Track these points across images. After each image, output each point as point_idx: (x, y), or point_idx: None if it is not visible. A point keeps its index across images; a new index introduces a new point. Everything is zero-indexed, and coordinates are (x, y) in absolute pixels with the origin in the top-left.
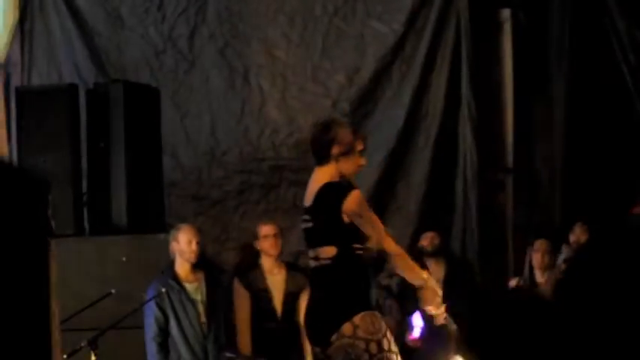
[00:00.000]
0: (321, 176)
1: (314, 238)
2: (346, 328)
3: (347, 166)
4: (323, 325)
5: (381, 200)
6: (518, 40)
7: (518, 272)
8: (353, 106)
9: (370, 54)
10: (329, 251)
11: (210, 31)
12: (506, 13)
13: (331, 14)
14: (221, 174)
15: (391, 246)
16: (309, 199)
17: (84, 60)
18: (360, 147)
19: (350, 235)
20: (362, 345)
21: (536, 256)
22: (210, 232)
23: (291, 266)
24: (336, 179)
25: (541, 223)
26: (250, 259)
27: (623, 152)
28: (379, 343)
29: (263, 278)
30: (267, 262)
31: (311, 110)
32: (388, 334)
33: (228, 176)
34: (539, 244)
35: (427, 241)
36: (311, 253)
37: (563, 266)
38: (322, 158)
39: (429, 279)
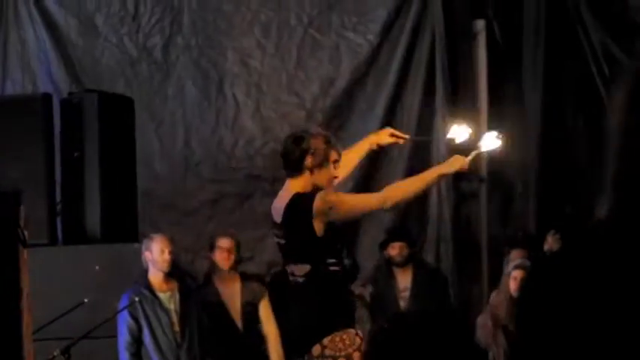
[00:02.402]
0: (292, 189)
1: (288, 255)
2: (315, 349)
3: (321, 177)
4: (296, 346)
5: None
6: (493, 50)
7: (492, 282)
8: (327, 116)
9: (345, 65)
10: (302, 269)
11: (185, 41)
12: (480, 24)
13: (306, 25)
14: (195, 184)
15: (378, 198)
16: (278, 213)
17: (58, 69)
18: (334, 157)
19: (323, 250)
20: None
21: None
22: (184, 241)
23: (245, 276)
24: (308, 190)
25: (515, 232)
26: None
27: (596, 163)
28: (349, 357)
29: (217, 292)
30: (220, 275)
31: (285, 120)
32: (364, 348)
33: (203, 186)
34: (515, 254)
35: (396, 250)
36: (288, 269)
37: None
38: (295, 170)
39: (437, 169)
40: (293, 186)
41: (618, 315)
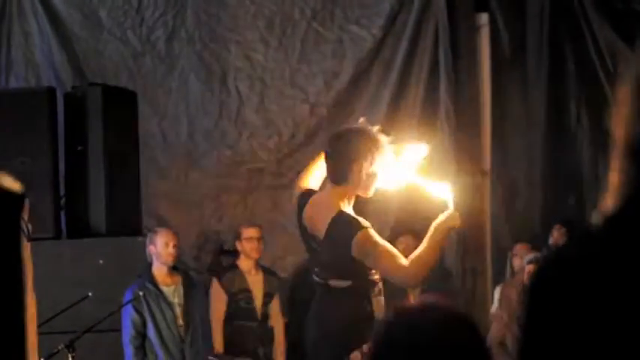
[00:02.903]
0: (334, 199)
1: (327, 269)
2: (354, 357)
3: (365, 186)
4: (330, 350)
5: (358, 204)
6: (496, 44)
7: (496, 276)
8: (331, 110)
9: (348, 58)
10: (344, 283)
11: (189, 35)
12: (484, 17)
13: (310, 18)
14: (198, 177)
15: (406, 274)
16: (319, 226)
17: (62, 63)
18: (381, 164)
19: (365, 268)
20: None
21: (517, 260)
22: (188, 235)
23: (266, 269)
24: (350, 201)
25: (520, 226)
26: (225, 259)
27: (600, 156)
28: None
29: (244, 279)
30: (246, 264)
31: (289, 114)
32: None
33: (206, 180)
34: (519, 248)
35: (403, 245)
36: (318, 273)
37: (530, 267)
38: (339, 177)
39: (445, 226)
40: (334, 194)
41: (627, 309)
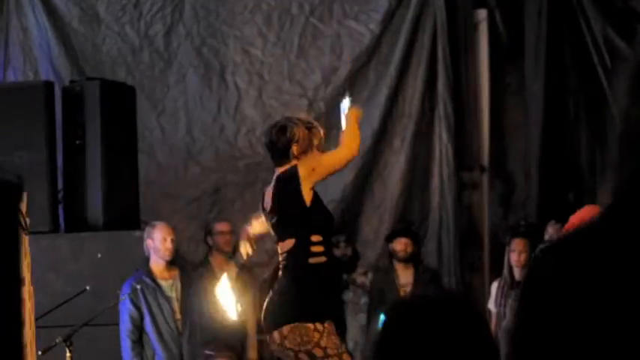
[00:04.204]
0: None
1: (278, 233)
2: (275, 335)
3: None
4: (264, 325)
5: (357, 199)
6: (495, 40)
7: (494, 271)
8: (329, 105)
9: (346, 53)
10: (287, 244)
11: (187, 30)
12: (482, 13)
13: (308, 13)
14: (197, 172)
15: (345, 150)
16: (269, 197)
17: (60, 57)
18: (317, 142)
19: (311, 222)
20: (291, 354)
21: (514, 255)
22: (186, 229)
23: (240, 265)
24: None
25: (517, 222)
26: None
27: (596, 152)
28: (309, 353)
29: (214, 274)
30: (218, 258)
31: (287, 109)
32: (324, 342)
33: (204, 174)
34: (516, 243)
35: (401, 246)
36: (278, 250)
37: None
38: (282, 159)
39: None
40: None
41: (624, 303)
